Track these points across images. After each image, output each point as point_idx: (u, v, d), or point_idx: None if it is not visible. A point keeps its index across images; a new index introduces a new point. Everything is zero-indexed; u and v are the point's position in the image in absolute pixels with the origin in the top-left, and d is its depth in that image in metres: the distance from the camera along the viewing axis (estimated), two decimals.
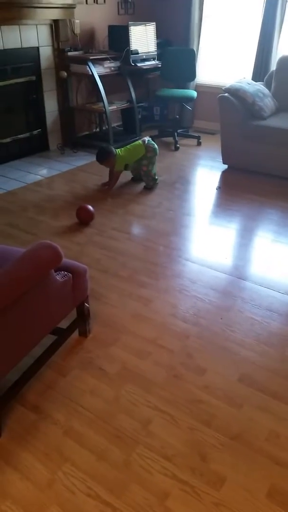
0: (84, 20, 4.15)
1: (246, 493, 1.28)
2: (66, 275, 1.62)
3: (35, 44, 3.77)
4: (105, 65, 4.10)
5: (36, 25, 3.71)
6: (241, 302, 2.11)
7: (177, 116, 4.70)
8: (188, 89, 4.67)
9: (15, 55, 3.65)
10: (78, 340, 1.86)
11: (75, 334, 1.87)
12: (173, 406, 1.55)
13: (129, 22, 4.17)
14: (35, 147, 4.15)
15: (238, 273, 2.35)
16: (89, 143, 4.32)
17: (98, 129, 4.69)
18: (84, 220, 2.85)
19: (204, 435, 1.45)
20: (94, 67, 3.96)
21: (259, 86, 3.74)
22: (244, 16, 4.47)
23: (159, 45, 4.57)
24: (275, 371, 1.71)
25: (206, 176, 3.73)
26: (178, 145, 4.40)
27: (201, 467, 1.35)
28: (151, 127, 4.97)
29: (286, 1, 4.09)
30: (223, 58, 4.75)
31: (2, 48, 3.51)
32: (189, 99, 4.32)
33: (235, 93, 3.54)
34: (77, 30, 4.05)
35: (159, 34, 4.63)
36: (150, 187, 3.42)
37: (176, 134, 4.45)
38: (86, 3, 4.12)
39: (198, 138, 4.56)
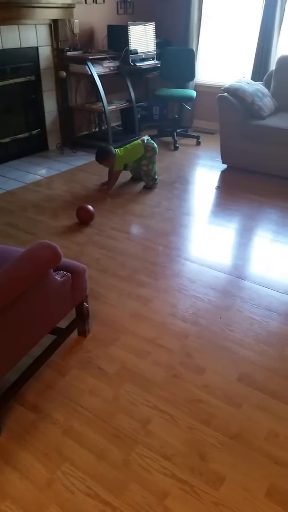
0: (83, 20, 4.15)
1: (245, 493, 1.28)
2: (65, 274, 1.62)
3: (34, 44, 3.77)
4: (104, 65, 4.10)
5: (35, 25, 3.71)
6: (241, 302, 2.11)
7: (176, 116, 4.70)
8: (188, 88, 4.67)
9: (14, 55, 3.65)
10: (77, 340, 1.86)
11: (74, 333, 1.87)
12: (172, 406, 1.55)
13: (128, 22, 4.17)
14: (34, 147, 4.15)
15: (238, 272, 2.35)
16: (88, 143, 4.32)
17: (97, 129, 4.69)
18: (84, 220, 2.85)
19: (203, 434, 1.45)
20: (93, 67, 3.96)
21: (258, 85, 3.74)
22: (243, 15, 4.47)
23: (158, 45, 4.58)
24: (274, 370, 1.71)
25: (205, 175, 3.74)
26: (177, 145, 4.40)
27: (200, 467, 1.35)
28: (151, 126, 4.97)
29: (286, 1, 4.09)
30: (223, 57, 4.75)
31: (1, 48, 3.51)
32: (188, 99, 4.32)
33: (234, 92, 3.54)
34: (76, 30, 4.05)
35: (158, 33, 4.63)
36: (149, 187, 3.42)
37: (175, 133, 4.45)
38: (85, 3, 4.12)
39: (198, 137, 4.56)
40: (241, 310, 2.05)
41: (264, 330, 1.93)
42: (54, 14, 3.66)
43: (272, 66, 4.24)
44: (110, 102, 4.26)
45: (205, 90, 4.86)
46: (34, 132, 4.10)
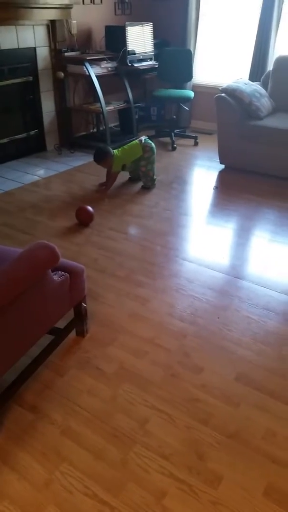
0: (81, 21, 4.16)
1: (243, 492, 1.29)
2: (63, 275, 1.63)
3: (32, 45, 3.77)
4: (102, 66, 4.10)
5: (33, 25, 3.71)
6: (238, 301, 2.11)
7: (174, 117, 4.71)
8: (185, 89, 4.68)
9: (12, 56, 3.65)
10: (76, 340, 1.86)
11: (73, 334, 1.88)
12: (170, 405, 1.56)
13: (126, 23, 4.17)
14: (32, 148, 4.15)
15: (235, 272, 2.35)
16: (86, 143, 4.33)
17: (95, 130, 4.69)
18: (84, 221, 2.84)
19: (201, 433, 1.46)
20: (91, 67, 3.97)
21: (256, 86, 3.75)
22: (241, 16, 4.48)
23: (156, 46, 4.58)
24: (272, 370, 1.72)
25: (203, 176, 3.74)
26: (175, 145, 4.41)
27: (198, 466, 1.36)
28: (148, 127, 4.98)
29: (283, 1, 4.10)
30: (220, 58, 4.76)
31: None
32: (186, 99, 4.33)
33: (232, 93, 3.55)
34: (74, 31, 4.06)
35: (156, 34, 4.63)
36: (148, 187, 3.42)
37: (173, 134, 4.46)
38: (83, 3, 4.13)
39: (195, 138, 4.57)
40: (238, 310, 2.06)
41: (262, 329, 1.93)
42: (51, 14, 3.66)
43: (270, 66, 4.25)
44: (108, 103, 4.26)
45: (203, 91, 4.87)
46: (32, 132, 4.10)
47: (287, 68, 3.80)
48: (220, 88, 3.65)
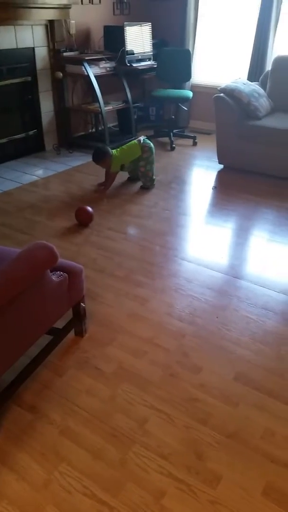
0: (80, 21, 4.16)
1: (242, 491, 1.29)
2: (62, 275, 1.62)
3: (30, 45, 3.77)
4: (101, 66, 4.10)
5: (32, 25, 3.71)
6: (237, 301, 2.12)
7: (173, 116, 4.71)
8: (184, 89, 4.68)
9: (11, 56, 3.65)
10: (74, 340, 1.86)
11: (71, 334, 1.87)
12: (169, 405, 1.56)
13: (125, 23, 4.18)
14: (31, 148, 4.14)
15: (234, 272, 2.35)
16: (85, 143, 4.33)
17: (94, 130, 4.69)
18: (83, 221, 2.84)
19: (200, 433, 1.46)
20: (90, 67, 3.97)
21: (255, 86, 3.76)
22: (239, 16, 4.48)
23: (154, 46, 4.59)
24: (270, 369, 1.72)
25: (202, 176, 3.74)
26: (174, 145, 4.41)
27: (197, 466, 1.36)
28: (147, 127, 4.98)
29: (281, 2, 4.11)
30: (219, 58, 4.76)
31: None
32: (185, 99, 4.33)
33: (230, 93, 3.55)
34: (73, 31, 4.05)
35: (154, 34, 4.64)
36: (147, 187, 3.42)
37: (172, 134, 4.46)
38: (82, 3, 4.13)
39: (194, 138, 4.57)
40: (237, 310, 2.06)
41: (261, 329, 1.93)
42: (50, 14, 3.66)
43: (268, 66, 4.26)
44: (106, 103, 4.26)
45: (202, 91, 4.87)
46: (31, 132, 4.10)
47: (285, 68, 3.80)
48: (218, 88, 3.65)
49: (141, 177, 3.40)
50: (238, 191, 3.41)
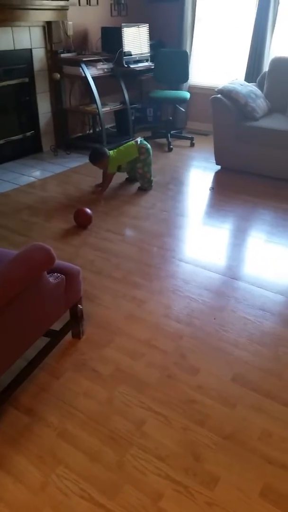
0: (77, 22, 4.16)
1: (239, 493, 1.29)
2: (59, 276, 1.62)
3: (28, 46, 3.77)
4: (98, 67, 4.10)
5: (29, 27, 3.71)
6: (234, 302, 2.12)
7: (170, 118, 4.71)
8: (181, 90, 4.69)
9: (8, 57, 3.65)
10: (72, 342, 1.85)
11: (69, 336, 1.87)
12: (166, 407, 1.55)
13: (122, 24, 4.18)
14: (28, 149, 4.14)
15: (232, 273, 2.36)
16: (82, 144, 4.32)
17: (91, 131, 4.69)
18: (82, 223, 2.83)
19: (197, 435, 1.45)
20: (87, 68, 3.97)
21: (252, 87, 3.76)
22: (237, 17, 4.49)
23: (152, 47, 4.59)
24: (268, 370, 1.72)
25: (199, 177, 3.75)
26: (171, 146, 4.41)
27: (195, 467, 1.35)
28: (145, 128, 4.98)
29: (279, 3, 4.12)
30: (216, 59, 4.77)
31: None
32: (182, 101, 4.34)
33: (227, 94, 3.56)
34: (70, 32, 4.05)
35: (152, 35, 4.64)
36: (144, 188, 3.42)
37: (169, 135, 4.46)
38: (79, 4, 4.13)
39: (191, 139, 4.57)
40: (235, 311, 2.06)
41: (258, 330, 1.93)
42: (47, 16, 3.66)
43: (265, 67, 4.26)
44: (104, 104, 4.26)
45: (199, 92, 4.88)
46: (28, 134, 4.09)
47: (282, 69, 3.81)
48: (216, 89, 3.66)
49: (139, 179, 3.40)
50: (236, 192, 3.41)
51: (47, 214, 3.01)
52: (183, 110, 4.93)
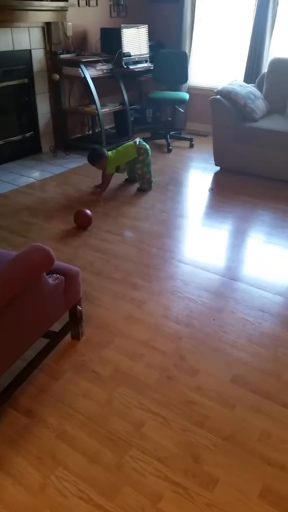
0: (76, 23, 4.16)
1: (238, 494, 1.29)
2: (58, 278, 1.62)
3: (27, 47, 3.77)
4: (98, 68, 4.10)
5: (28, 27, 3.71)
6: (234, 303, 2.12)
7: (170, 118, 4.72)
8: (180, 91, 4.69)
9: (7, 58, 3.65)
10: (71, 343, 1.85)
11: (68, 337, 1.87)
12: (165, 408, 1.55)
13: (121, 25, 4.18)
14: (28, 150, 4.14)
15: (231, 274, 2.36)
16: (81, 145, 4.33)
17: (90, 132, 4.69)
18: (82, 225, 2.83)
19: (196, 436, 1.46)
20: (87, 69, 3.97)
21: (251, 88, 3.77)
22: (236, 18, 4.50)
23: (151, 48, 4.59)
24: (267, 371, 1.72)
25: (198, 178, 3.75)
26: (170, 147, 4.42)
27: (194, 469, 1.35)
28: (144, 129, 4.98)
29: (277, 4, 4.13)
30: (215, 60, 4.78)
31: None
32: (181, 101, 4.34)
33: (227, 95, 3.56)
34: (69, 33, 4.06)
35: (151, 36, 4.64)
36: (144, 189, 3.42)
37: (168, 136, 4.47)
38: (78, 5, 4.13)
39: (191, 140, 4.58)
40: (234, 312, 2.06)
41: (257, 331, 1.94)
42: (47, 17, 3.66)
43: (264, 68, 4.27)
44: (103, 105, 4.26)
45: (198, 93, 4.88)
46: (28, 134, 4.09)
47: (281, 70, 3.82)
48: (215, 90, 3.66)
49: (138, 179, 3.41)
50: (235, 193, 3.42)
51: (46, 215, 3.01)
52: (182, 111, 4.93)
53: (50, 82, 4.08)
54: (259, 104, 3.68)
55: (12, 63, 3.71)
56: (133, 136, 4.51)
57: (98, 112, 4.05)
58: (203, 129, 4.98)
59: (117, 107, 4.42)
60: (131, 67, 4.28)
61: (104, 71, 4.18)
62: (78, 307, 1.80)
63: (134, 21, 4.68)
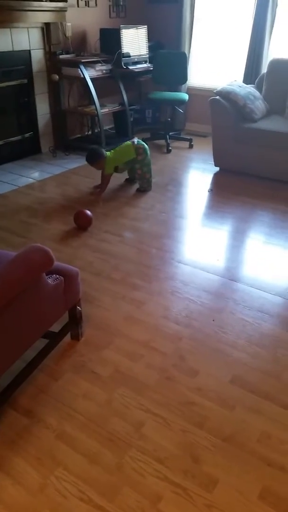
0: (76, 23, 4.16)
1: (238, 495, 1.29)
2: (57, 278, 1.62)
3: (26, 47, 3.77)
4: (97, 68, 4.11)
5: (28, 28, 3.71)
6: (233, 304, 2.12)
7: (169, 119, 4.72)
8: (180, 92, 4.70)
9: (7, 58, 3.65)
10: (71, 344, 1.85)
11: (67, 337, 1.87)
12: (165, 409, 1.55)
13: (121, 25, 4.18)
14: (27, 150, 4.14)
15: (230, 274, 2.36)
16: (81, 146, 4.32)
17: (90, 132, 4.69)
18: (82, 225, 2.82)
19: (196, 437, 1.45)
20: (86, 70, 3.97)
21: (250, 88, 3.77)
22: (235, 19, 4.50)
23: (150, 48, 4.59)
24: (267, 372, 1.72)
25: (198, 178, 3.75)
26: (170, 148, 4.42)
27: (194, 469, 1.35)
28: (143, 129, 4.99)
29: (277, 5, 4.13)
30: (215, 61, 4.78)
31: None
32: (181, 102, 4.35)
33: (226, 95, 3.57)
34: (69, 33, 4.06)
35: (150, 37, 4.65)
36: (143, 189, 3.43)
37: (168, 136, 4.47)
38: (78, 6, 4.13)
39: (190, 140, 4.58)
40: (233, 312, 2.06)
41: (257, 332, 1.94)
42: (46, 17, 3.66)
43: (264, 69, 4.27)
44: (102, 105, 4.26)
45: (198, 93, 4.88)
46: (27, 135, 4.09)
47: (281, 70, 3.82)
48: (214, 91, 3.66)
49: (138, 179, 3.41)
50: (234, 193, 3.42)
51: (46, 215, 3.01)
52: (182, 111, 4.93)
53: (50, 83, 4.08)
54: (259, 105, 3.69)
55: (12, 64, 3.71)
56: (133, 136, 4.50)
57: (97, 112, 4.05)
58: (203, 130, 4.98)
59: (117, 107, 4.43)
60: (130, 67, 4.28)
61: (104, 71, 4.18)
62: (78, 307, 1.80)
63: (134, 22, 4.68)
